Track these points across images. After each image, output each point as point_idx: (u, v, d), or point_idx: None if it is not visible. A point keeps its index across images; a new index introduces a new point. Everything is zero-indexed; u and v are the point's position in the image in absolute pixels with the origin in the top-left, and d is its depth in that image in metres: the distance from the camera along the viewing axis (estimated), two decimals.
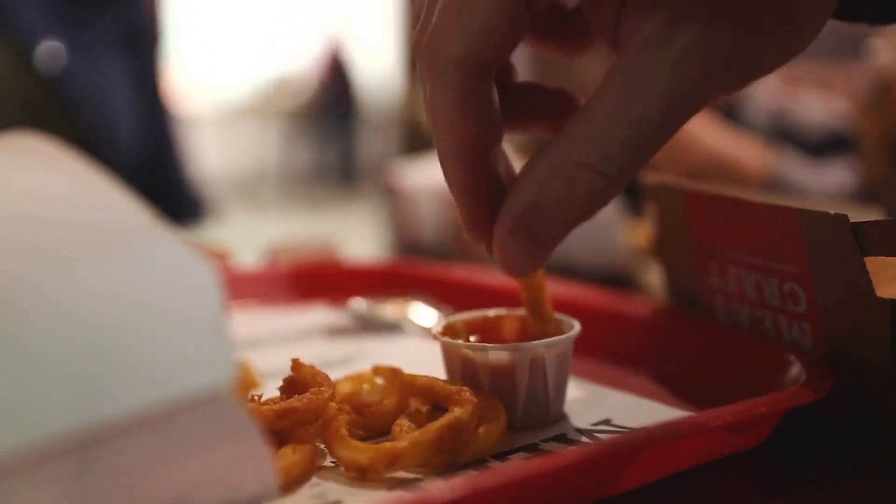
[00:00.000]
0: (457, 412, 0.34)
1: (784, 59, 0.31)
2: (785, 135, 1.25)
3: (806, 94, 1.32)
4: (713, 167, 1.12)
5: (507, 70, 0.37)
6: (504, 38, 0.31)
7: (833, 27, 0.34)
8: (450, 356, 0.40)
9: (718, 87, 0.30)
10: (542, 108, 0.37)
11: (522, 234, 0.31)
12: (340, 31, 6.70)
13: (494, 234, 0.32)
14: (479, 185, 0.33)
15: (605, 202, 0.30)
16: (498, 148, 0.33)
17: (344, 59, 6.65)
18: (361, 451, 0.33)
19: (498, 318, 0.43)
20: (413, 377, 0.38)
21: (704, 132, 1.15)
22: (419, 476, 0.33)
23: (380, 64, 6.52)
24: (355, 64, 6.68)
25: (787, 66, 0.32)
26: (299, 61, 6.80)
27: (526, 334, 0.42)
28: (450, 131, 0.32)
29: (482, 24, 0.30)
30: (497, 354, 0.38)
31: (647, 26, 0.29)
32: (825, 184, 1.11)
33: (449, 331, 0.41)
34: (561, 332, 0.40)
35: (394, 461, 0.33)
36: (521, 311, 0.42)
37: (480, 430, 0.35)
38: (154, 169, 1.11)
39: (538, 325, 0.40)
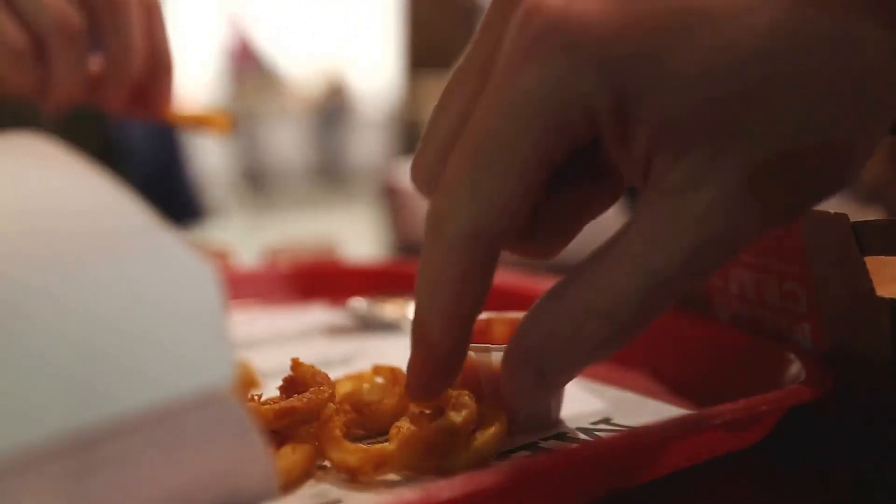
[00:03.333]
0: (451, 416, 0.34)
1: (827, 196, 0.29)
2: None
3: None
4: None
5: None
6: (520, 206, 0.28)
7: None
8: None
9: (748, 235, 0.28)
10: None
11: (531, 369, 0.30)
12: (244, 18, 6.65)
13: (503, 366, 0.31)
14: (459, 347, 0.32)
15: (614, 349, 0.28)
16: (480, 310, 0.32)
17: (254, 47, 6.60)
18: (351, 453, 0.33)
19: (488, 322, 0.42)
20: None
21: None
22: (418, 477, 0.33)
23: (380, 64, 6.52)
24: (268, 53, 6.64)
25: None
26: (298, 60, 6.80)
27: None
28: (445, 299, 0.30)
29: (497, 194, 0.28)
30: (500, 356, 0.38)
31: (678, 169, 0.27)
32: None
33: None
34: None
35: (383, 463, 0.32)
36: (512, 314, 0.42)
37: (479, 437, 0.35)
38: (164, 173, 1.11)
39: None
